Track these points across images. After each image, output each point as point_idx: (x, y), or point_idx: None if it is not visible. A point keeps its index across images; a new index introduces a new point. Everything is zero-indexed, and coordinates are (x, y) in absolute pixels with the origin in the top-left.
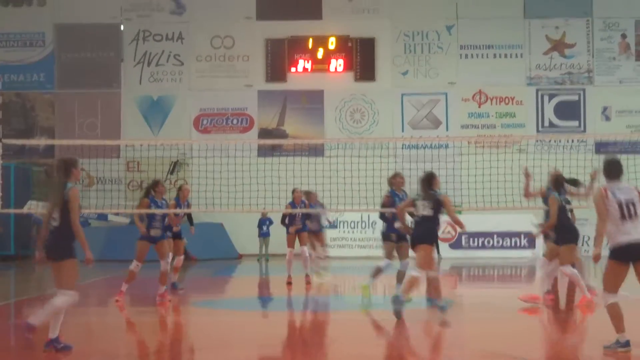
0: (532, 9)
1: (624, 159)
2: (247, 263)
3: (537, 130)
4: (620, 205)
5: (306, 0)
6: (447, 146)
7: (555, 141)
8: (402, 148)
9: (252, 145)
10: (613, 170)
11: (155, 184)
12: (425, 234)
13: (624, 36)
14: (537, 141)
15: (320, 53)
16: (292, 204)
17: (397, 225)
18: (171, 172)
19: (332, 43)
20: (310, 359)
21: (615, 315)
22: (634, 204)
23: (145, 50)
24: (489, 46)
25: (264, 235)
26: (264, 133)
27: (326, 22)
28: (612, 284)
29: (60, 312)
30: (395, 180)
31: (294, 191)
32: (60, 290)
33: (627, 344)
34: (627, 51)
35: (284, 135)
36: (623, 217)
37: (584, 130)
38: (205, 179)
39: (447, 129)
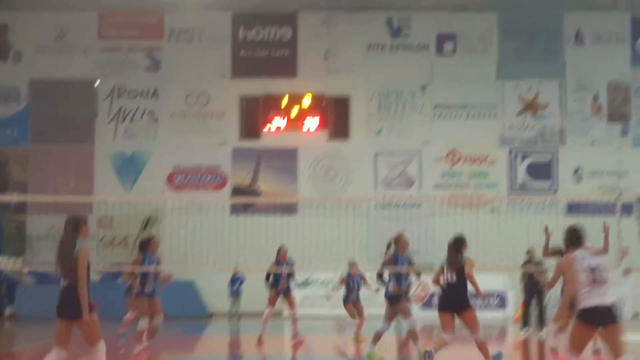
0: (505, 70)
1: (595, 220)
2: (218, 322)
3: (510, 191)
4: (587, 272)
5: (281, 58)
6: (419, 206)
7: (527, 201)
8: (375, 208)
9: (225, 202)
10: (578, 237)
11: (150, 239)
12: (447, 300)
13: (596, 98)
14: (509, 202)
15: (294, 111)
16: (278, 262)
17: (391, 288)
18: (144, 228)
19: (306, 101)
20: None
21: None
22: (600, 270)
23: (120, 107)
24: (463, 106)
25: (235, 294)
26: (238, 191)
27: (301, 80)
28: (579, 345)
29: None
30: (400, 243)
31: (280, 249)
32: (91, 348)
33: None
34: (599, 112)
35: (257, 193)
36: (591, 283)
37: (556, 191)
38: (178, 235)
39: (420, 188)
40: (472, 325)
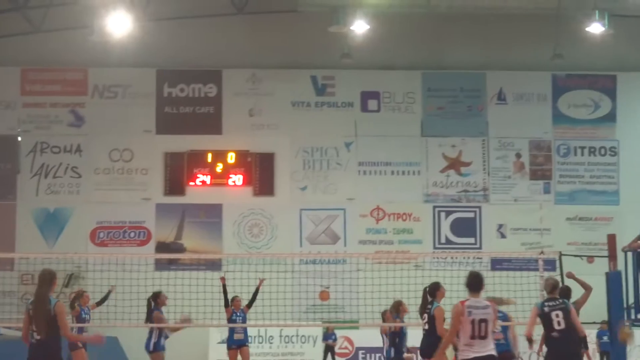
0: (429, 127)
1: (517, 276)
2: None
3: (434, 247)
4: (473, 324)
5: (206, 115)
6: (344, 262)
7: (452, 257)
8: (300, 263)
9: (149, 259)
10: (474, 284)
11: (158, 295)
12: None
13: (518, 155)
14: (434, 258)
15: (219, 167)
16: (233, 311)
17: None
18: (66, 285)
19: (231, 157)
20: None
21: None
22: (486, 324)
23: (42, 162)
24: (387, 163)
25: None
26: (162, 247)
27: (226, 136)
28: None
29: None
30: (402, 308)
31: (234, 299)
32: None
33: None
34: (521, 170)
35: (181, 249)
36: (473, 336)
37: (480, 247)
38: (100, 292)
39: (345, 245)
40: None
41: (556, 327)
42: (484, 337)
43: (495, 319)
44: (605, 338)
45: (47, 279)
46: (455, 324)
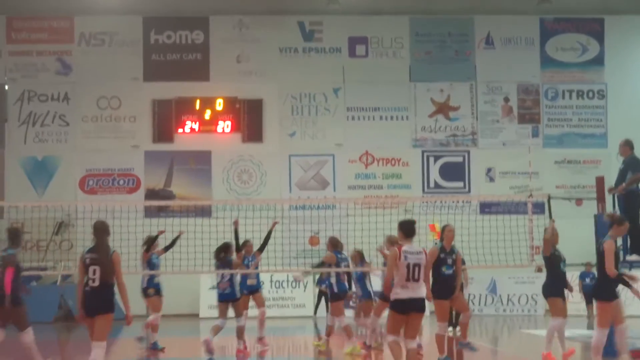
0: (417, 72)
1: (507, 219)
2: (134, 323)
3: (423, 192)
4: (408, 267)
5: (193, 61)
6: (334, 207)
7: (440, 202)
8: (290, 209)
9: (139, 206)
10: (407, 231)
11: (245, 243)
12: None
13: (506, 99)
14: (423, 202)
15: (207, 114)
16: (245, 257)
17: None
18: (56, 233)
19: (219, 104)
20: None
21: (396, 351)
22: (419, 268)
23: (30, 111)
24: (376, 108)
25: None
26: (151, 194)
27: (214, 83)
28: (393, 328)
29: None
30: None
31: (245, 243)
32: (95, 343)
33: None
34: (509, 114)
35: (171, 196)
36: (408, 279)
37: (469, 191)
38: (90, 239)
39: (334, 190)
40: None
41: None
42: (416, 280)
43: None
44: (587, 280)
45: (104, 229)
46: (392, 266)
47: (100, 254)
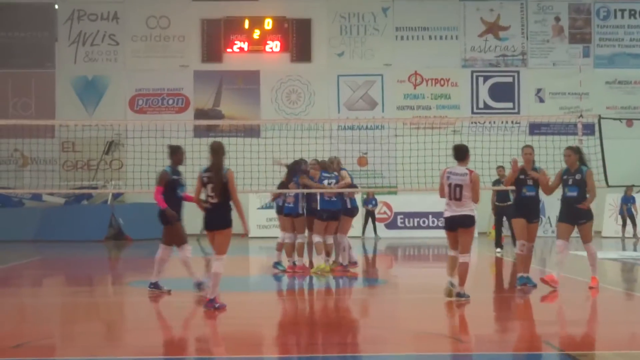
0: None
1: (557, 140)
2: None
3: (472, 112)
4: (450, 187)
5: None
6: (382, 127)
7: (489, 123)
8: (338, 129)
9: (188, 125)
10: (456, 154)
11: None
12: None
13: (557, 19)
14: (471, 123)
15: (256, 34)
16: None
17: None
18: (106, 152)
19: (268, 24)
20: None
21: (449, 263)
22: (460, 188)
23: (79, 30)
24: (425, 28)
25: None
26: (200, 114)
27: (262, 2)
28: (449, 243)
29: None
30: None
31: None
32: (216, 256)
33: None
34: (560, 34)
35: (220, 116)
36: (450, 197)
37: (518, 112)
38: (140, 159)
39: (382, 111)
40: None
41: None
42: (458, 199)
43: (471, 186)
44: (629, 204)
45: (220, 149)
46: (440, 185)
47: (216, 172)
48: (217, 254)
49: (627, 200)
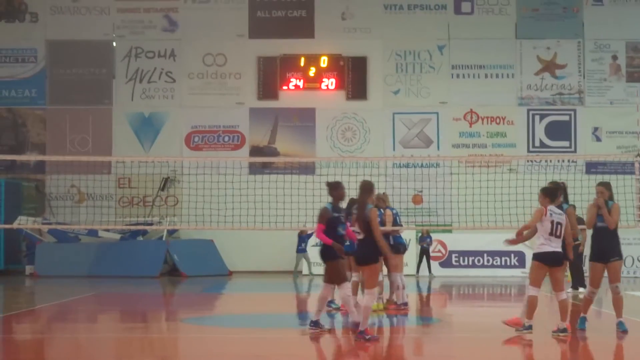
0: (523, 29)
1: (613, 179)
2: (237, 280)
3: (528, 150)
4: (552, 224)
5: (298, 18)
6: (438, 165)
7: (546, 161)
8: (393, 167)
9: (243, 162)
10: (550, 195)
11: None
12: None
13: (614, 57)
14: (527, 161)
15: (312, 71)
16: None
17: None
18: (162, 188)
19: (324, 61)
20: None
21: (531, 305)
22: (561, 226)
23: (137, 67)
24: (481, 66)
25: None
26: (256, 151)
27: (318, 40)
28: (535, 280)
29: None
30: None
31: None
32: (367, 290)
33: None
34: (617, 73)
35: (275, 153)
36: (551, 234)
37: (575, 151)
38: (195, 195)
39: (438, 148)
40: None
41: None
42: (558, 237)
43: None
44: None
45: (367, 188)
46: (537, 221)
47: (360, 210)
48: (366, 287)
49: None
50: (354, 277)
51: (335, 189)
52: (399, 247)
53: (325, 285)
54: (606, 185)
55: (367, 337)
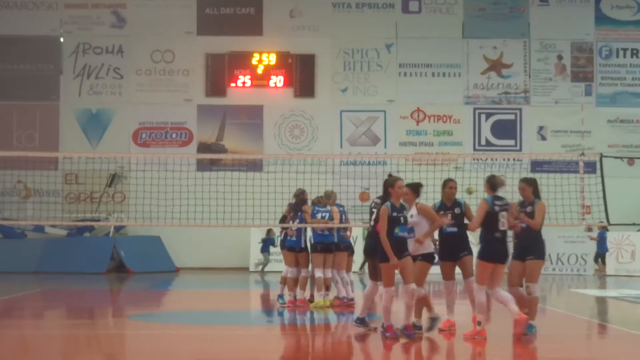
0: (470, 29)
1: (558, 178)
2: (185, 276)
3: (474, 149)
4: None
5: (247, 16)
6: (385, 163)
7: (491, 160)
8: (341, 164)
9: (191, 159)
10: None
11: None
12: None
13: (560, 57)
14: (473, 159)
15: (260, 69)
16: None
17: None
18: (109, 185)
19: (272, 59)
20: None
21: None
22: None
23: (85, 63)
24: (428, 65)
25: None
26: (203, 148)
27: (267, 38)
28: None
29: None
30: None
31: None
32: (382, 288)
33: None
34: (563, 72)
35: (223, 150)
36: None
37: (520, 149)
38: (143, 192)
39: (385, 146)
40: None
41: (501, 227)
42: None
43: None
44: None
45: (386, 184)
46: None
47: (378, 206)
48: (384, 285)
49: None
50: (303, 272)
51: (390, 186)
52: (343, 245)
53: (373, 283)
54: (528, 181)
55: (387, 334)
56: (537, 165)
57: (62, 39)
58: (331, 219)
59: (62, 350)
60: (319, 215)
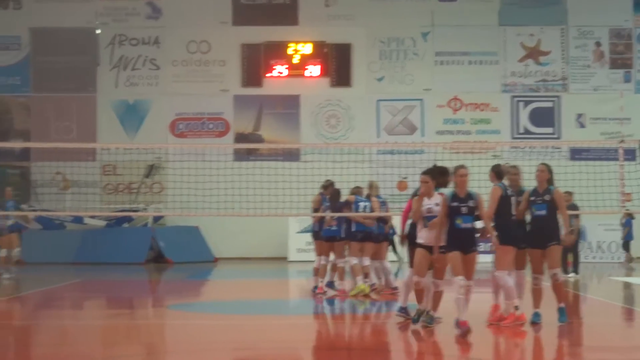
0: (507, 16)
1: (597, 165)
2: (223, 266)
3: (512, 137)
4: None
5: (282, 5)
6: (422, 152)
7: (530, 148)
8: (378, 153)
9: (228, 149)
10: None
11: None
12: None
13: (598, 44)
14: (511, 147)
15: (296, 58)
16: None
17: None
18: (147, 175)
19: (308, 49)
20: None
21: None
22: None
23: (121, 55)
24: (465, 53)
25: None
26: (240, 138)
27: (302, 27)
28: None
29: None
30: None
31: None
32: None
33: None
34: (601, 59)
35: (259, 140)
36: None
37: (559, 137)
38: (180, 182)
39: (422, 135)
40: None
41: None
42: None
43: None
44: None
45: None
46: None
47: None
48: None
49: None
50: (340, 262)
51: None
52: (379, 236)
53: (411, 271)
54: (548, 166)
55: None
56: (576, 153)
57: (98, 31)
58: (372, 210)
59: (101, 340)
60: (360, 205)
